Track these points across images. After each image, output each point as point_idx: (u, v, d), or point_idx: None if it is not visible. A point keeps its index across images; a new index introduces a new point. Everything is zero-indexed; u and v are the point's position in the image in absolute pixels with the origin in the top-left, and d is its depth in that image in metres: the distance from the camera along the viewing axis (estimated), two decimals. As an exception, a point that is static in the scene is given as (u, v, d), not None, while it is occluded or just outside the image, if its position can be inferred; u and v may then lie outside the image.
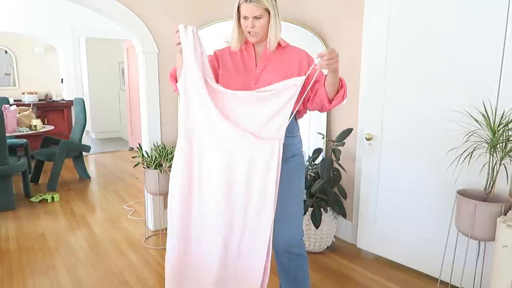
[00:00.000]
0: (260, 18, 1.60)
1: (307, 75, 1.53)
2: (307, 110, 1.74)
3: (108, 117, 8.07)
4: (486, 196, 1.92)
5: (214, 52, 1.79)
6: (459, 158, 1.98)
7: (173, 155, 2.74)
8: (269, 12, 1.60)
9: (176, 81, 1.65)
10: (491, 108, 1.94)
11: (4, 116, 3.77)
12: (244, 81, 1.67)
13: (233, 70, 1.71)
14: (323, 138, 2.95)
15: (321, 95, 1.59)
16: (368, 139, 2.58)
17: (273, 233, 1.75)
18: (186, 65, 1.53)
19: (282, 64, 1.68)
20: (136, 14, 2.85)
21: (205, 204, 1.61)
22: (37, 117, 4.96)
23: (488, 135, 1.87)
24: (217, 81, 1.66)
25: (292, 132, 1.72)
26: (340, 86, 1.58)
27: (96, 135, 8.07)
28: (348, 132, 2.67)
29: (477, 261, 2.07)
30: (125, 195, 4.18)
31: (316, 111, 1.77)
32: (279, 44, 1.71)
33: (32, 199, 3.92)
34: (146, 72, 2.94)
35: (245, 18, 1.61)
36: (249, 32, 1.63)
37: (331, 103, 1.59)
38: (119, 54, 7.23)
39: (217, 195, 1.57)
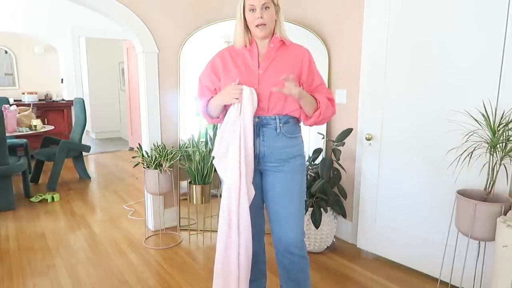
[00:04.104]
0: (268, 8, 1.61)
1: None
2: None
3: (108, 117, 8.07)
4: (486, 196, 1.92)
5: (216, 56, 1.78)
6: (459, 158, 1.98)
7: (173, 155, 2.77)
8: (274, 4, 1.64)
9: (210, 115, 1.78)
10: (491, 108, 1.94)
11: (4, 116, 3.76)
12: (246, 82, 1.65)
13: (234, 71, 1.69)
14: (323, 138, 2.95)
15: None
16: (368, 139, 2.58)
17: (274, 234, 1.76)
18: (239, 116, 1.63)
19: (286, 64, 1.67)
20: (136, 14, 2.85)
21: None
22: (37, 117, 4.96)
23: (488, 135, 1.87)
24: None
25: (293, 133, 1.72)
26: (317, 108, 1.68)
27: (96, 135, 8.07)
28: (348, 132, 2.67)
29: (477, 261, 2.07)
30: (125, 195, 4.18)
31: None
32: (283, 43, 1.71)
33: (32, 199, 3.92)
34: (146, 72, 2.94)
35: (252, 10, 1.61)
36: (257, 26, 1.62)
37: (308, 119, 1.71)
38: (119, 54, 7.22)
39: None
